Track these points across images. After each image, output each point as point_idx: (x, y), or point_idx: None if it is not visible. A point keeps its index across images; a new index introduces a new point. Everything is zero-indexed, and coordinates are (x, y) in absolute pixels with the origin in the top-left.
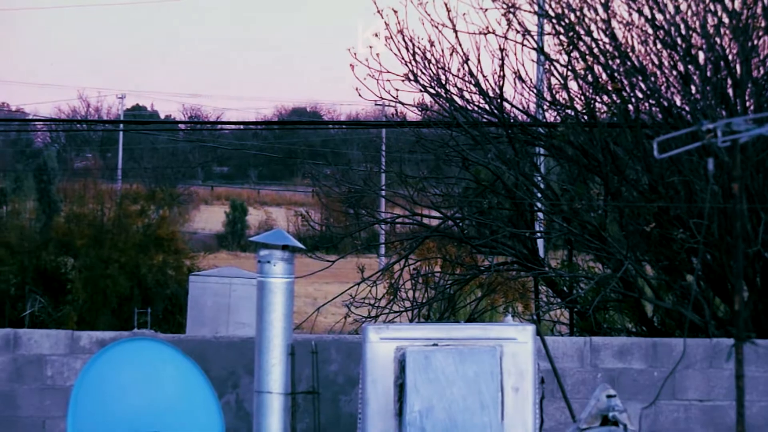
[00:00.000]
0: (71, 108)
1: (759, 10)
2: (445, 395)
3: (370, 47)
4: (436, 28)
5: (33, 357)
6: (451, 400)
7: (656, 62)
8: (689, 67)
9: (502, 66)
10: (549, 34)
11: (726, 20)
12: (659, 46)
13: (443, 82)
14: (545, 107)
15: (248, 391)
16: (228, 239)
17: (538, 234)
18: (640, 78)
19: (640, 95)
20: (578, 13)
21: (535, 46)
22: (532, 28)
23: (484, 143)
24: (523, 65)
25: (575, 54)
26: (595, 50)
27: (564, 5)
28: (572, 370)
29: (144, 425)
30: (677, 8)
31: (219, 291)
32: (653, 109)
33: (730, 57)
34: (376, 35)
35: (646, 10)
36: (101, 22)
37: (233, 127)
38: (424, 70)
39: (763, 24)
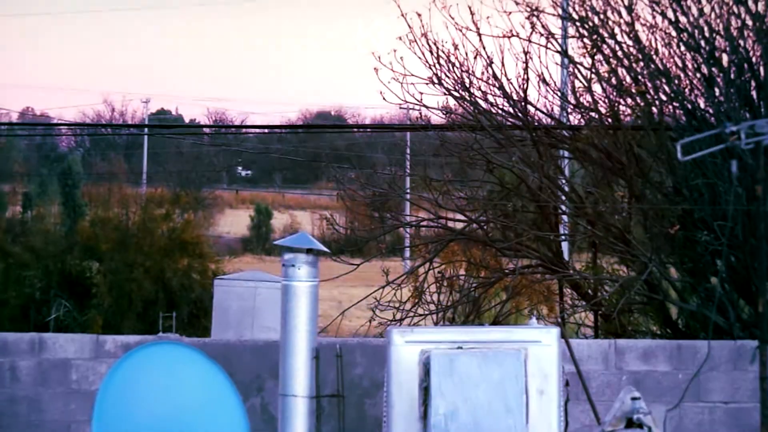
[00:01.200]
0: (96, 112)
1: None
2: (470, 398)
3: (394, 51)
4: (460, 31)
5: (58, 361)
6: (476, 403)
7: (680, 65)
8: (713, 69)
9: (526, 69)
10: (573, 37)
11: (750, 22)
12: (683, 48)
13: (467, 86)
14: (569, 110)
15: (273, 395)
16: (253, 243)
17: (563, 237)
18: (663, 81)
19: (663, 98)
20: (602, 16)
21: (559, 49)
22: (556, 31)
23: (508, 146)
24: (547, 68)
25: (599, 57)
26: (619, 53)
27: (588, 8)
28: (597, 372)
29: (169, 429)
30: (701, 11)
31: (244, 295)
32: (677, 111)
33: (753, 59)
34: (400, 39)
35: (670, 13)
36: (126, 26)
37: (258, 130)
38: (448, 74)
39: None
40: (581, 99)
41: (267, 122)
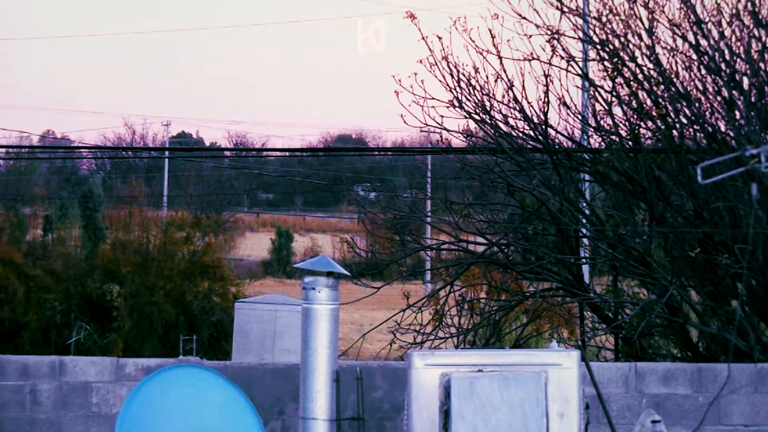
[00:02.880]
0: (116, 135)
1: None
2: (491, 421)
3: (415, 74)
4: (481, 54)
5: (79, 384)
6: (497, 426)
7: (700, 88)
8: (733, 92)
9: (546, 92)
10: (593, 60)
11: None
12: (703, 71)
13: (488, 109)
14: (590, 133)
15: (294, 418)
16: (273, 266)
17: (584, 260)
18: (684, 104)
19: (684, 121)
20: (622, 39)
21: (580, 72)
22: (577, 54)
23: (529, 169)
24: (567, 91)
25: (620, 80)
26: (640, 76)
27: (608, 31)
28: (617, 395)
29: None
30: (721, 34)
31: (264, 318)
32: (698, 134)
33: None
34: (421, 62)
35: (690, 36)
36: (146, 49)
37: (279, 154)
38: (468, 97)
39: None
40: (602, 122)
41: (288, 145)
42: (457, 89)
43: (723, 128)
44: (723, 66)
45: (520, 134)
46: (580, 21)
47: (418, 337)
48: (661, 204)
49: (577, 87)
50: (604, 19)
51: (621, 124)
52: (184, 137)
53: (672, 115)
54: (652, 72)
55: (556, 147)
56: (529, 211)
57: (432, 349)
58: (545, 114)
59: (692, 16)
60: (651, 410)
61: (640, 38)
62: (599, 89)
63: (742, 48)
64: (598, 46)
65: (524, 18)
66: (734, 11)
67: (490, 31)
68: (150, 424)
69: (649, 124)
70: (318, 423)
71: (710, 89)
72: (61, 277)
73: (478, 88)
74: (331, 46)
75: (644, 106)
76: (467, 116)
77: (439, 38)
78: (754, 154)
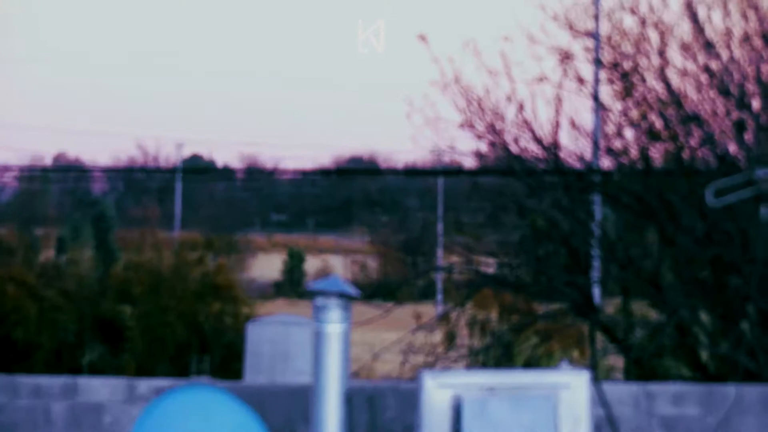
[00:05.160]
0: (129, 157)
1: None
2: None
3: (426, 96)
4: (492, 76)
5: (91, 404)
6: None
7: (710, 110)
8: (743, 114)
9: (557, 114)
10: (604, 82)
11: None
12: (713, 93)
13: (499, 130)
14: (600, 155)
15: None
16: (285, 287)
17: (594, 281)
18: (694, 125)
19: (694, 143)
20: (633, 62)
21: (591, 94)
22: (588, 77)
23: (539, 191)
24: (578, 113)
25: (630, 102)
26: (650, 98)
27: (619, 54)
28: (628, 416)
29: None
30: (731, 56)
31: (276, 338)
32: (708, 156)
33: None
34: (433, 83)
35: (701, 58)
36: (158, 70)
37: (291, 175)
38: (479, 118)
39: None
40: (612, 144)
41: (299, 166)
42: (469, 111)
43: (733, 150)
44: (733, 88)
45: (531, 156)
46: (591, 43)
47: (429, 357)
48: (672, 225)
49: (588, 109)
50: (614, 41)
51: (631, 146)
52: (197, 159)
53: (682, 136)
54: (662, 94)
55: (567, 169)
56: (539, 232)
57: (443, 369)
58: (556, 135)
59: (702, 39)
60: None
61: (651, 60)
62: (610, 111)
63: (751, 70)
64: (609, 69)
65: (535, 40)
66: (744, 34)
67: (502, 53)
68: None
69: (660, 145)
70: None
71: (720, 111)
72: (73, 298)
73: (489, 109)
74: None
75: (654, 127)
76: (478, 138)
77: (451, 60)
78: (763, 176)
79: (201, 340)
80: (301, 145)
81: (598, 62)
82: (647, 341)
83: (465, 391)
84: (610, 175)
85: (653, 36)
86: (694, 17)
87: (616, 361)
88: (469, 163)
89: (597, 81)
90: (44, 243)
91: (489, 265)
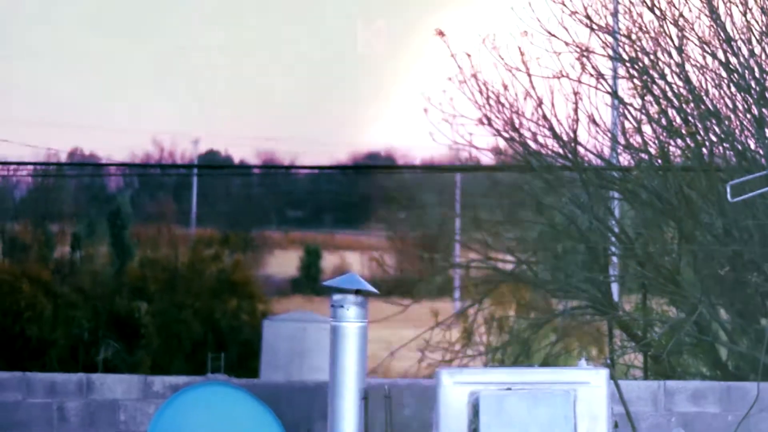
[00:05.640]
0: (145, 152)
1: None
2: None
3: (444, 91)
4: (510, 71)
5: (106, 402)
6: None
7: (730, 106)
8: (763, 110)
9: (576, 110)
10: (623, 77)
11: None
12: (733, 89)
13: (517, 126)
14: (619, 151)
15: None
16: (302, 283)
17: (613, 278)
18: (714, 121)
19: (714, 139)
20: (652, 57)
21: (609, 89)
22: (606, 72)
23: (558, 187)
24: (597, 109)
25: (649, 97)
26: (669, 94)
27: (638, 49)
28: (646, 413)
29: None
30: (751, 51)
31: (293, 335)
32: (727, 152)
33: None
34: (450, 79)
35: (720, 54)
36: (175, 65)
37: (307, 171)
38: (497, 114)
39: None
40: (631, 140)
41: (316, 162)
42: (487, 107)
43: (753, 146)
44: (753, 84)
45: (550, 152)
46: (609, 38)
47: (446, 354)
48: (691, 222)
49: (607, 105)
50: (633, 36)
51: (650, 142)
52: (213, 154)
53: (701, 132)
54: (681, 90)
55: (586, 165)
56: (558, 229)
57: (461, 367)
58: (574, 132)
59: (722, 34)
60: (680, 429)
61: (670, 56)
62: (629, 107)
63: None
64: (628, 64)
65: (553, 35)
66: (764, 29)
67: (519, 48)
68: None
69: (679, 142)
70: None
71: (740, 107)
72: (88, 295)
73: (507, 105)
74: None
75: (674, 123)
76: (496, 134)
77: (469, 55)
78: None
79: (217, 337)
80: (317, 141)
81: (617, 58)
82: (666, 338)
83: (482, 389)
84: (629, 171)
85: (673, 31)
86: (713, 13)
87: (635, 358)
88: (487, 159)
89: (616, 77)
90: (59, 239)
91: (507, 262)
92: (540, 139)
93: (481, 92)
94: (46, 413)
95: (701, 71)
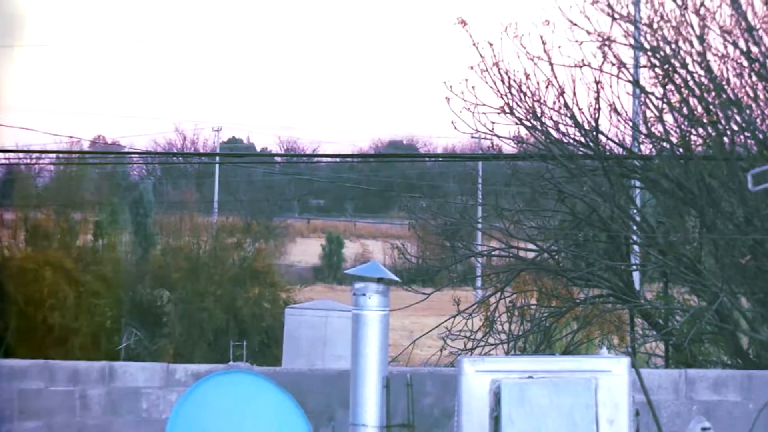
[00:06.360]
0: (167, 141)
1: None
2: (541, 428)
3: (466, 80)
4: (532, 60)
5: (128, 390)
6: None
7: (751, 95)
8: None
9: (597, 98)
10: (644, 66)
11: None
12: (754, 78)
13: (539, 115)
14: (640, 140)
15: (344, 424)
16: (324, 272)
17: (634, 266)
18: (735, 110)
19: (735, 128)
20: (673, 46)
21: (631, 78)
22: (628, 61)
23: (579, 176)
24: (618, 98)
25: (670, 86)
26: (690, 83)
27: (659, 38)
28: (667, 402)
29: None
30: None
31: (315, 324)
32: (748, 141)
33: None
34: (472, 68)
35: (741, 43)
36: (198, 54)
37: (329, 159)
38: (519, 103)
39: None
40: (652, 129)
41: (338, 151)
42: (508, 95)
43: None
44: None
45: (571, 141)
46: (631, 28)
47: (468, 343)
48: (712, 211)
49: (628, 94)
50: (655, 25)
51: (672, 131)
52: (235, 143)
53: (723, 121)
54: (703, 79)
55: (607, 154)
56: (579, 217)
57: (482, 355)
58: (596, 120)
59: (743, 23)
60: (701, 417)
61: (691, 45)
62: (650, 96)
63: None
64: (649, 53)
65: (575, 24)
66: None
67: (541, 37)
68: (200, 430)
69: (700, 130)
70: (368, 429)
71: (761, 96)
72: (111, 283)
73: (529, 94)
74: (383, 51)
75: (695, 112)
76: (518, 122)
77: (491, 45)
78: None
79: (239, 326)
80: (340, 130)
81: (638, 47)
82: (687, 327)
83: (504, 377)
84: (651, 159)
85: (694, 20)
86: (735, 2)
87: (656, 347)
88: (509, 147)
89: (637, 66)
90: (82, 227)
91: (528, 251)
92: (561, 127)
93: (503, 81)
94: (69, 401)
95: (722, 60)
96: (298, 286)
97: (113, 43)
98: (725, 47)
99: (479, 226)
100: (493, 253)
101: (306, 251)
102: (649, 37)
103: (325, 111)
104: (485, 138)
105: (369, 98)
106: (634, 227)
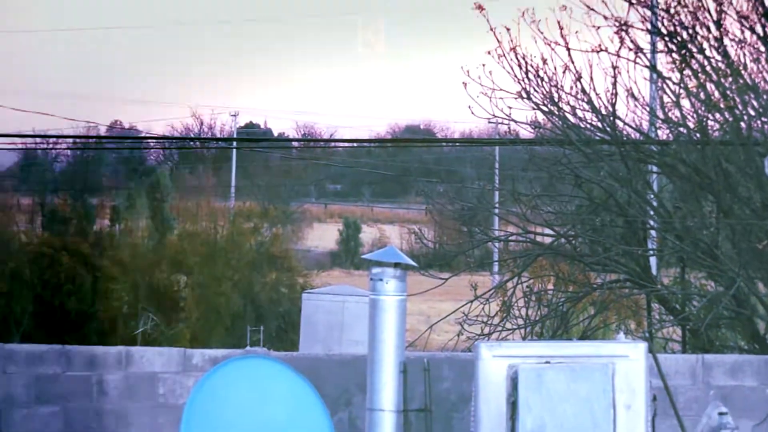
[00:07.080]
0: (184, 126)
1: None
2: (557, 413)
3: (483, 65)
4: (549, 45)
5: (145, 375)
6: (563, 417)
7: None
8: None
9: (614, 84)
10: (661, 51)
11: None
12: None
13: (556, 100)
14: (658, 125)
15: (361, 409)
16: (341, 257)
17: (651, 251)
18: (752, 95)
19: (752, 113)
20: (691, 31)
21: (648, 63)
22: (645, 46)
23: (596, 161)
24: (635, 83)
25: (687, 72)
26: (708, 68)
27: (676, 23)
28: (684, 387)
29: None
30: None
31: (332, 309)
32: (765, 126)
33: None
34: (489, 53)
35: (759, 28)
36: (216, 39)
37: (346, 144)
38: (536, 88)
39: None
40: (669, 114)
41: (355, 136)
42: (525, 81)
43: None
44: None
45: (588, 126)
46: (648, 12)
47: (485, 328)
48: (729, 196)
49: (645, 79)
50: (672, 10)
51: (689, 116)
52: (252, 127)
53: (740, 106)
54: (720, 64)
55: (624, 139)
56: (596, 202)
57: (499, 340)
58: (613, 106)
59: (760, 8)
60: (718, 402)
61: (709, 30)
62: (667, 81)
63: None
64: (666, 38)
65: (592, 9)
66: None
67: (559, 22)
68: (217, 415)
69: (717, 115)
70: (385, 414)
71: None
72: (128, 268)
73: (546, 79)
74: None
75: (712, 97)
76: (535, 108)
77: (508, 30)
78: None
79: (256, 310)
80: (357, 115)
81: (655, 32)
82: (704, 312)
83: (521, 362)
84: (668, 145)
85: (711, 5)
86: None
87: (673, 332)
88: (526, 132)
89: (654, 51)
90: (99, 212)
91: (545, 236)
92: (579, 112)
93: (520, 66)
94: (86, 386)
95: (739, 45)
96: (315, 271)
97: (131, 28)
98: (742, 32)
99: (496, 211)
100: (510, 238)
101: (323, 236)
102: (666, 22)
103: (342, 96)
104: (502, 123)
105: (386, 83)
106: (651, 212)
